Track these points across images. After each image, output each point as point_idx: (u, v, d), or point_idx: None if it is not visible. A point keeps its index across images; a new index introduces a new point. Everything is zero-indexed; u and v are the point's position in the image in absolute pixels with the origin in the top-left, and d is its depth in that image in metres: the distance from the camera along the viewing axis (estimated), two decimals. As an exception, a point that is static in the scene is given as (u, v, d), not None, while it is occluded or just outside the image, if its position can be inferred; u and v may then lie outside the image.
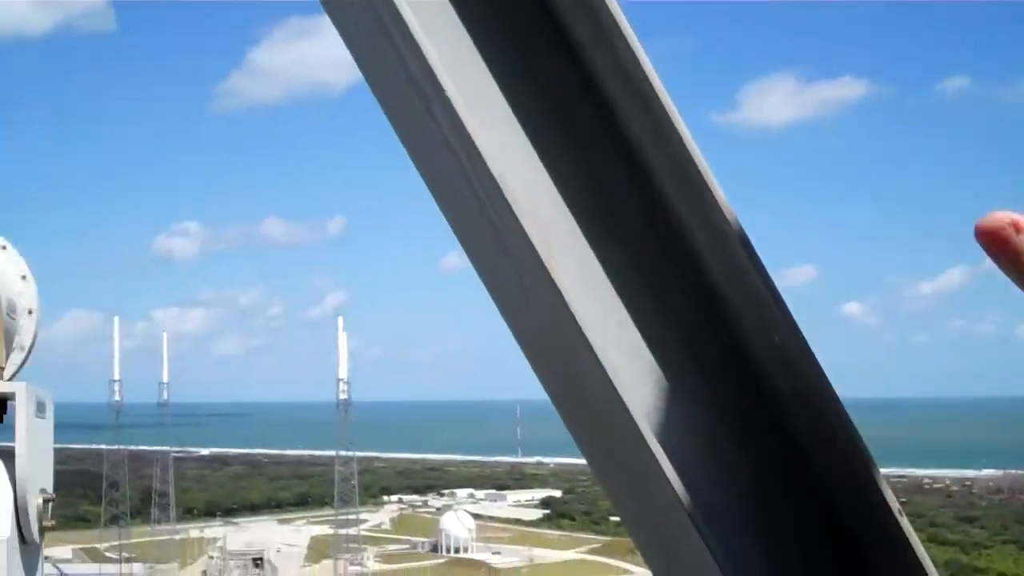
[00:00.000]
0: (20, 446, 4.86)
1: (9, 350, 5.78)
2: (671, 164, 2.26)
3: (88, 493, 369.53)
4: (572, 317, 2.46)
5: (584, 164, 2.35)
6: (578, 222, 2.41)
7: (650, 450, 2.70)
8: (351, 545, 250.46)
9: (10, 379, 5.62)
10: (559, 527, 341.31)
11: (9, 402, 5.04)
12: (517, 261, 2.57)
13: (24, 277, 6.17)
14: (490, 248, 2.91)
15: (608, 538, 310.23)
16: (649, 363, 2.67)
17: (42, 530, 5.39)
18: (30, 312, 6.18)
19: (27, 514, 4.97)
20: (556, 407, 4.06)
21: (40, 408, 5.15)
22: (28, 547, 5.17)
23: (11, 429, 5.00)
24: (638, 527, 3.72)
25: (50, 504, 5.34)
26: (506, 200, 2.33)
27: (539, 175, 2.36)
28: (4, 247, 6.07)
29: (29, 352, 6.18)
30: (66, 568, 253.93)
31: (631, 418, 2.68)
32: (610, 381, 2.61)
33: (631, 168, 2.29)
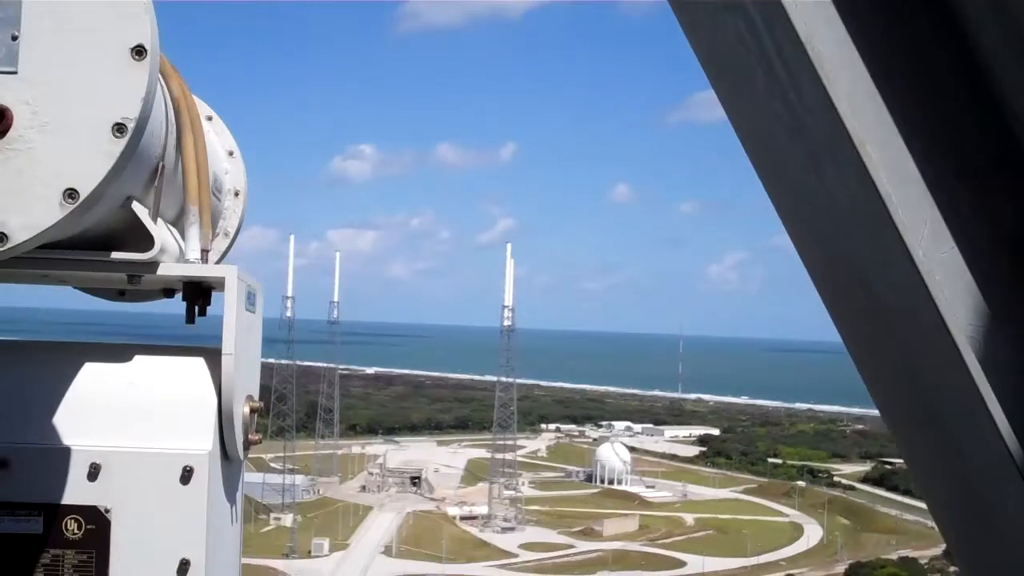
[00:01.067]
0: (227, 344, 3.94)
1: (213, 234, 4.90)
2: (1007, 40, 1.90)
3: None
4: (885, 210, 2.10)
5: (901, 39, 2.13)
6: (891, 110, 2.10)
7: (975, 387, 2.20)
8: (507, 470, 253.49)
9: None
10: (715, 465, 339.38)
11: (215, 291, 4.14)
12: (816, 143, 2.28)
13: (231, 153, 5.40)
14: (781, 132, 2.62)
15: (764, 479, 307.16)
16: (968, 282, 2.20)
17: (247, 444, 4.69)
18: (236, 194, 5.38)
19: (232, 425, 4.26)
20: (845, 334, 3.34)
21: (250, 300, 4.26)
22: (230, 464, 4.40)
23: (214, 324, 4.09)
24: (944, 487, 2.93)
25: (256, 415, 4.61)
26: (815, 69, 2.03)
27: (848, 46, 2.10)
28: (210, 117, 5.29)
29: (234, 239, 5.41)
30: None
31: (952, 344, 2.18)
32: (930, 296, 2.16)
33: (956, 45, 2.02)
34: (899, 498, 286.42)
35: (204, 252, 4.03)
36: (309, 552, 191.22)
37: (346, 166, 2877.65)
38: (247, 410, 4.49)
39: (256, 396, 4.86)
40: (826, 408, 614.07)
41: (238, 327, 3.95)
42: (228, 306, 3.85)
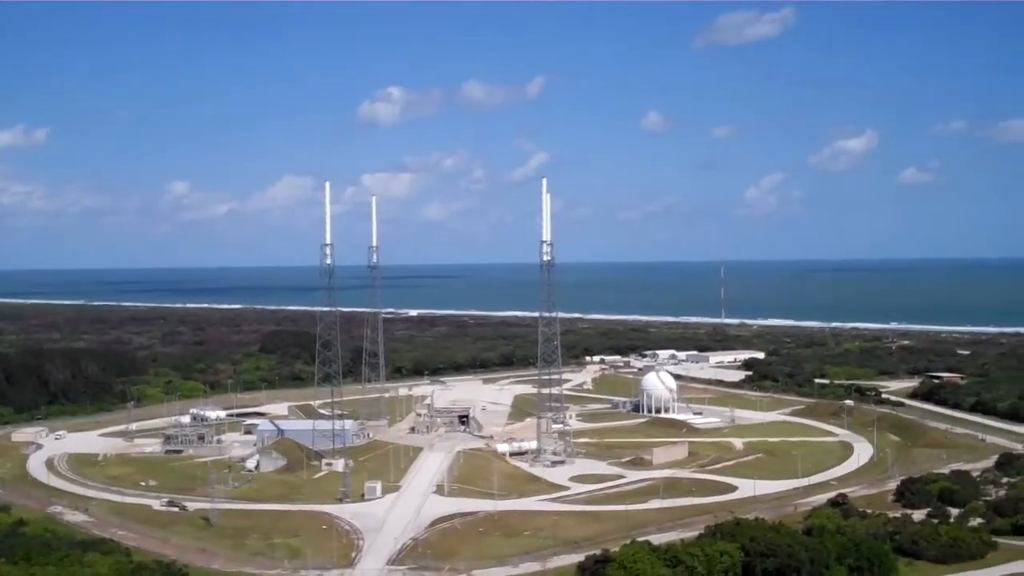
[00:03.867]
0: None
1: None
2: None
3: (302, 353, 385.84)
4: None
5: None
6: None
7: None
8: (554, 404, 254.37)
9: None
10: (761, 388, 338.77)
11: None
12: None
13: None
14: None
15: (812, 400, 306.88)
16: None
17: None
18: None
19: None
20: None
21: None
22: None
23: None
24: None
25: None
26: None
27: None
28: None
29: None
30: (282, 424, 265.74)
31: None
32: None
33: None
34: (948, 412, 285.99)
35: None
36: (362, 496, 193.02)
37: (375, 109, 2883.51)
38: None
39: None
40: (871, 326, 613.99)
41: None
42: None
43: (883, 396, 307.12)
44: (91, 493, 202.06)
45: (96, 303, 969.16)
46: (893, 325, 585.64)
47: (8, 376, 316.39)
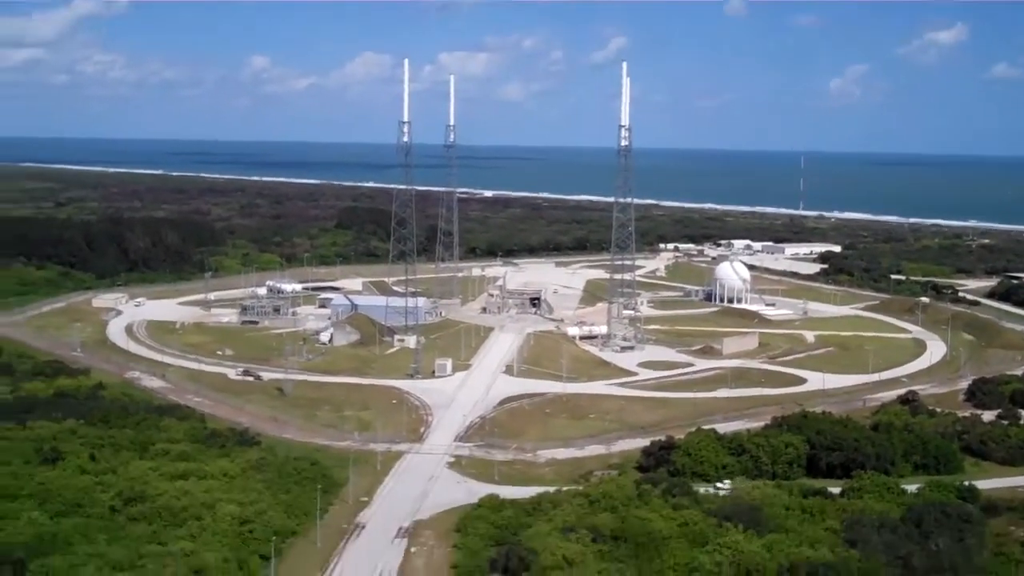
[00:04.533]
0: None
1: None
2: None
3: (378, 230, 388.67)
4: None
5: None
6: None
7: None
8: (625, 290, 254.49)
9: None
10: (836, 282, 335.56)
11: None
12: None
13: None
14: None
15: (887, 296, 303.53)
16: None
17: None
18: None
19: None
20: None
21: None
22: None
23: None
24: None
25: None
26: None
27: None
28: None
29: None
30: (356, 299, 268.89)
31: None
32: None
33: None
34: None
35: None
36: (433, 372, 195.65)
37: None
38: None
39: None
40: (952, 223, 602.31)
41: None
42: None
43: (960, 294, 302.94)
44: (168, 360, 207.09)
45: (175, 173, 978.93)
46: (974, 223, 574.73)
47: (89, 243, 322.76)
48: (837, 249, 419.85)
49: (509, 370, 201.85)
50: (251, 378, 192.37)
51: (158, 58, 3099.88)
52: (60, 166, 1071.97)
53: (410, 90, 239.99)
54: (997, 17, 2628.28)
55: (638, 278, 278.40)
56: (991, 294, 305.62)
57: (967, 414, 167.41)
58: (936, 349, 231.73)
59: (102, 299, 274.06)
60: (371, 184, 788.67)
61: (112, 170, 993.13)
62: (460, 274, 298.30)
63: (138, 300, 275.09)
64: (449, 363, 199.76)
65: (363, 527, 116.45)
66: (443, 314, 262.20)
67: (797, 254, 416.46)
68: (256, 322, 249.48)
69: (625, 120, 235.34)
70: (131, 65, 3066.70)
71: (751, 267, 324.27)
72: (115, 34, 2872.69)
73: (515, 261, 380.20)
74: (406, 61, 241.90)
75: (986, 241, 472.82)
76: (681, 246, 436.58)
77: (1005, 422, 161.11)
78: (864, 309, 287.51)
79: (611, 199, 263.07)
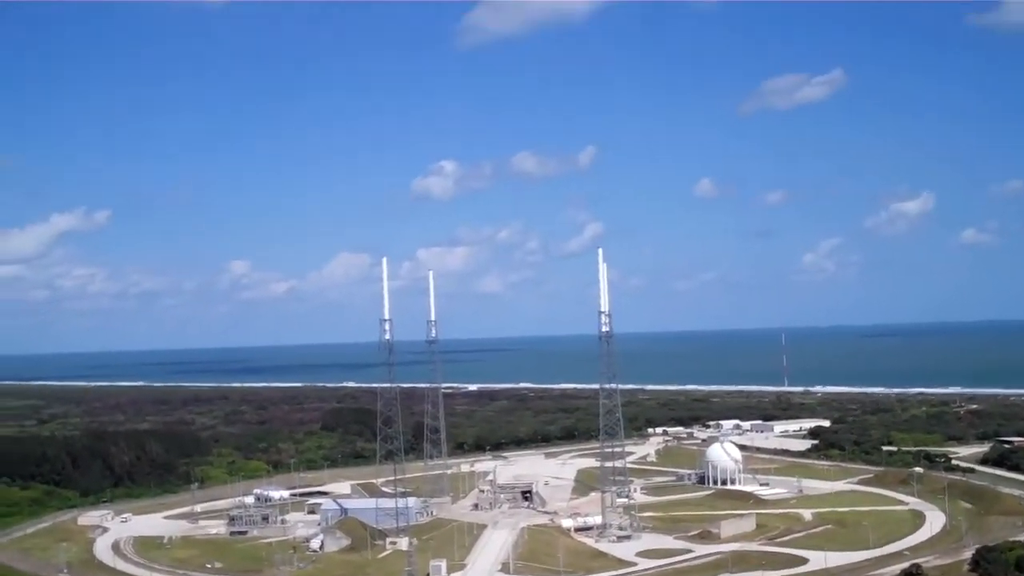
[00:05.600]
0: None
1: None
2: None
3: (364, 430, 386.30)
4: None
5: None
6: None
7: None
8: (618, 478, 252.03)
9: None
10: (828, 457, 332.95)
11: None
12: None
13: None
14: None
15: (880, 468, 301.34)
16: None
17: None
18: None
19: None
20: None
21: None
22: None
23: None
24: None
25: None
26: None
27: None
28: None
29: None
30: (345, 503, 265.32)
31: None
32: None
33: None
34: (1021, 477, 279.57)
35: None
36: (427, 575, 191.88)
37: (428, 184, 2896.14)
38: None
39: None
40: (937, 391, 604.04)
41: None
42: None
43: (953, 462, 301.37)
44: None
45: (158, 384, 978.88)
46: (959, 389, 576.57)
47: (73, 459, 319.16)
48: (826, 424, 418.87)
49: (505, 568, 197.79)
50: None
51: (138, 269, 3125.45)
52: (41, 382, 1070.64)
53: (389, 287, 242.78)
54: (961, 184, 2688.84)
55: (629, 464, 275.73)
56: (984, 460, 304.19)
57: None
58: (935, 519, 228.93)
59: (88, 516, 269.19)
60: (354, 384, 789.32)
61: (93, 384, 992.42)
62: (449, 471, 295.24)
63: (124, 516, 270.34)
64: (444, 565, 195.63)
65: None
66: (434, 513, 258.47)
67: (787, 431, 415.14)
68: (245, 532, 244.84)
69: (605, 306, 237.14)
70: (111, 278, 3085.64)
71: (742, 447, 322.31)
72: (95, 247, 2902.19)
73: (504, 454, 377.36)
74: (384, 260, 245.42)
75: (974, 406, 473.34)
76: (670, 430, 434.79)
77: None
78: (858, 483, 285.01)
79: (596, 386, 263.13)
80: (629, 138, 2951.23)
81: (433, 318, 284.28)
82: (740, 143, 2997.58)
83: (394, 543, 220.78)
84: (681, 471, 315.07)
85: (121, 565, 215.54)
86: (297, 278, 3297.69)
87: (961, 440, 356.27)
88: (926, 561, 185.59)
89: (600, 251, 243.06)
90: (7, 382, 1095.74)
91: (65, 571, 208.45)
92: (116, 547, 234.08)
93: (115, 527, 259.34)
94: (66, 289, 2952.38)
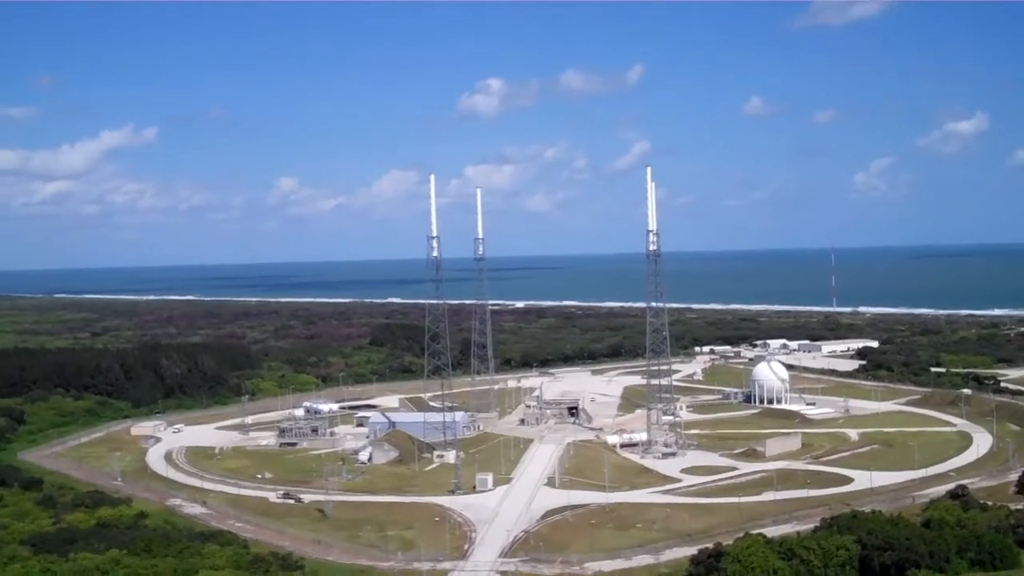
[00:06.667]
0: None
1: None
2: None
3: (412, 346, 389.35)
4: None
5: None
6: None
7: None
8: (664, 395, 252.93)
9: None
10: (876, 378, 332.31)
11: None
12: None
13: None
14: None
15: (928, 389, 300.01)
16: None
17: None
18: None
19: None
20: None
21: None
22: None
23: None
24: None
25: None
26: None
27: None
28: None
29: None
30: (393, 416, 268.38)
31: None
32: None
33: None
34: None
35: None
36: (474, 487, 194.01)
37: (475, 102, 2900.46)
38: None
39: None
40: (988, 312, 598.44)
41: None
42: None
43: (1002, 384, 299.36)
44: (208, 486, 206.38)
45: (208, 299, 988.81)
46: (1009, 311, 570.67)
47: (126, 371, 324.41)
48: (874, 344, 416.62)
49: (551, 482, 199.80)
50: (292, 501, 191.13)
51: (187, 184, 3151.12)
52: (94, 296, 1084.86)
53: (437, 205, 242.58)
54: (1015, 104, 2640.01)
55: (675, 383, 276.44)
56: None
57: (1020, 506, 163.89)
58: (982, 441, 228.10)
59: (141, 427, 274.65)
60: (403, 300, 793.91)
61: (145, 298, 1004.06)
62: (496, 386, 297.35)
63: (176, 427, 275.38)
64: (490, 477, 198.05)
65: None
66: (481, 427, 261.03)
67: (834, 351, 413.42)
68: (295, 444, 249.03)
69: (653, 225, 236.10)
70: (160, 193, 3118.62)
71: (789, 366, 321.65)
72: (144, 163, 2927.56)
73: (551, 371, 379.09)
74: (432, 176, 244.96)
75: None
76: (717, 348, 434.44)
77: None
78: (906, 404, 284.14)
79: (643, 304, 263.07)
80: (677, 56, 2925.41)
81: (480, 235, 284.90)
82: (791, 61, 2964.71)
83: (441, 456, 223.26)
84: (727, 390, 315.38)
85: (173, 474, 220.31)
86: (346, 195, 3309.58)
87: (1011, 362, 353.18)
88: (972, 483, 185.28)
89: (648, 169, 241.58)
90: (61, 295, 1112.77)
91: (119, 479, 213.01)
92: (168, 457, 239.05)
93: (167, 437, 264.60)
94: (116, 204, 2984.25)
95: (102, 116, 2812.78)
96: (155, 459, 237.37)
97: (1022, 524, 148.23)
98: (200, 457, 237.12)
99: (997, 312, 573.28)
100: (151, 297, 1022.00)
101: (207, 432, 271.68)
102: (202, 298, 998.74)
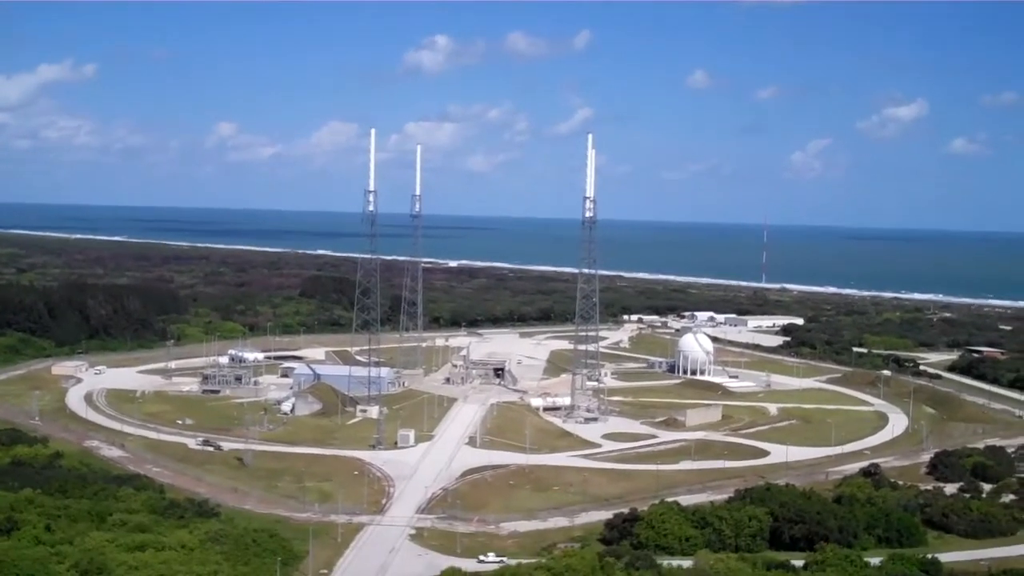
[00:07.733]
0: None
1: None
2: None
3: (342, 299, 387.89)
4: None
5: None
6: None
7: None
8: (589, 361, 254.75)
9: None
10: (799, 355, 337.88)
11: None
12: None
13: None
14: None
15: (849, 369, 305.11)
16: None
17: None
18: None
19: None
20: None
21: None
22: None
23: None
24: None
25: None
26: None
27: None
28: None
29: None
30: (319, 369, 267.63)
31: None
32: None
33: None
34: (986, 387, 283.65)
35: None
36: (395, 443, 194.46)
37: (420, 57, 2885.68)
38: None
39: None
40: (913, 296, 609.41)
41: None
42: None
43: (921, 368, 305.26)
44: (128, 429, 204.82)
45: (139, 240, 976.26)
46: (935, 297, 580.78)
47: (51, 309, 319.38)
48: (799, 322, 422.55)
49: (472, 441, 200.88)
50: (211, 448, 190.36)
51: (124, 124, 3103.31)
52: (23, 231, 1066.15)
53: (376, 159, 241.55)
54: (955, 94, 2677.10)
55: (602, 349, 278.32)
56: (952, 367, 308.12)
57: (929, 487, 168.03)
58: (898, 422, 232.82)
59: (62, 367, 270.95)
60: (335, 253, 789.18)
61: (75, 236, 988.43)
62: (424, 344, 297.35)
63: (98, 368, 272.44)
64: (412, 434, 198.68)
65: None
66: (406, 384, 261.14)
67: (760, 327, 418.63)
68: (217, 391, 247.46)
69: (590, 191, 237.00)
70: (96, 131, 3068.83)
71: (714, 339, 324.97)
72: (81, 100, 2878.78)
73: (479, 332, 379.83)
74: (372, 131, 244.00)
75: (947, 315, 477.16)
76: (645, 317, 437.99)
77: (967, 495, 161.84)
78: (826, 382, 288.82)
79: (576, 270, 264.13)
80: (624, 24, 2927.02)
81: (418, 192, 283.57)
82: (737, 36, 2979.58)
83: (364, 411, 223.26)
84: (652, 359, 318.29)
85: (92, 416, 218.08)
86: (284, 143, 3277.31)
87: (931, 346, 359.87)
88: (885, 461, 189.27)
89: (590, 136, 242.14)
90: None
91: (37, 418, 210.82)
92: (89, 398, 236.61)
93: (89, 378, 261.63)
94: (51, 140, 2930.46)
95: (40, 48, 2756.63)
96: (75, 400, 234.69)
97: (930, 504, 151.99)
98: (121, 400, 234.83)
99: (922, 296, 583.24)
100: (81, 236, 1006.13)
101: (129, 375, 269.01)
102: (133, 240, 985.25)
